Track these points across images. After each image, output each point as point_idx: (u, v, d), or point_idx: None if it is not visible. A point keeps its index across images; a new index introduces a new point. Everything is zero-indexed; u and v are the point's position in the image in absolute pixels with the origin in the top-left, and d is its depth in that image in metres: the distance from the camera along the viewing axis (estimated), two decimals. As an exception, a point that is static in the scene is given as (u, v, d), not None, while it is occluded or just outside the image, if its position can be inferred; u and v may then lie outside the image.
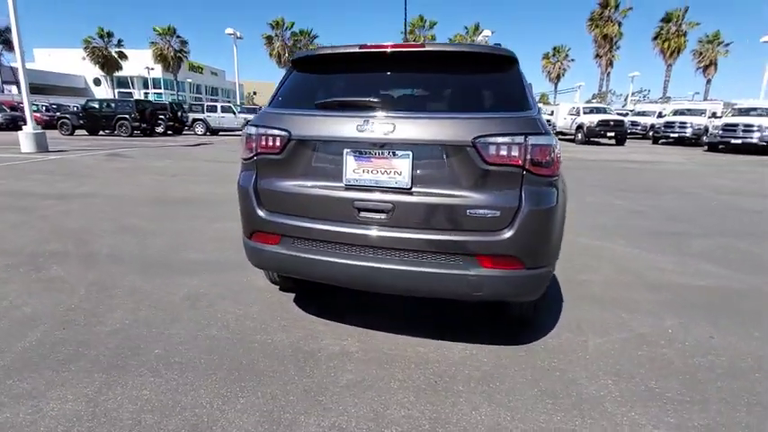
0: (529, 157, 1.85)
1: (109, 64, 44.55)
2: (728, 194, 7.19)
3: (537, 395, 1.92)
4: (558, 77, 50.19)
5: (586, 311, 2.75)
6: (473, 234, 1.91)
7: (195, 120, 23.36)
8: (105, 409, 1.78)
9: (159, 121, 21.02)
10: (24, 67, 11.87)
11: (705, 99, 36.29)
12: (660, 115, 24.42)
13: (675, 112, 22.09)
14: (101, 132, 20.07)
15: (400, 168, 1.95)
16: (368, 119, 1.97)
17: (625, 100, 44.25)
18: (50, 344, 2.26)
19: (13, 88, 31.72)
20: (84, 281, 3.09)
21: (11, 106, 23.77)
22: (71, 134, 19.54)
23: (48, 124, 20.65)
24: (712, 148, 16.91)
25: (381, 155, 1.96)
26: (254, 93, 79.65)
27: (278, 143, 2.11)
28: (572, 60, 49.82)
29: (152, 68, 47.45)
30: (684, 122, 20.45)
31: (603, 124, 19.98)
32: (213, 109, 23.94)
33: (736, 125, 15.86)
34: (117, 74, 46.58)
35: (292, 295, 2.91)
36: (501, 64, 2.09)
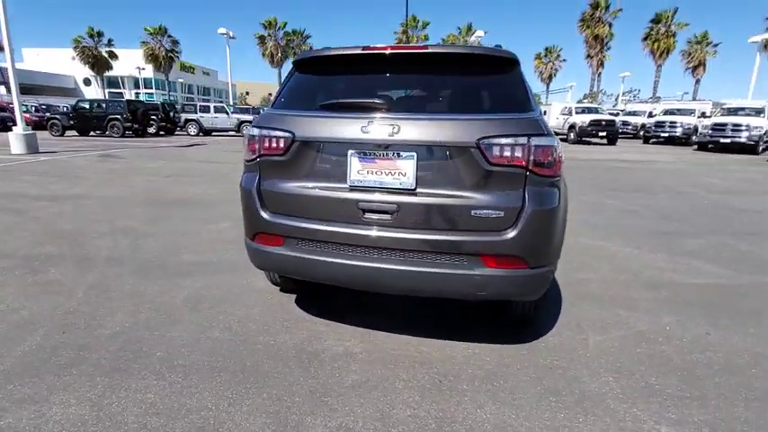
0: (532, 157, 1.87)
1: (99, 64, 44.02)
2: (719, 193, 7.31)
3: (540, 393, 1.94)
4: (550, 77, 50.56)
5: (586, 310, 2.78)
6: (477, 234, 1.93)
7: (188, 120, 23.15)
8: (110, 413, 1.77)
9: (151, 122, 20.82)
10: (14, 67, 11.69)
11: (694, 99, 36.79)
12: (651, 115, 24.74)
13: (666, 112, 22.40)
14: (92, 133, 19.82)
15: (405, 169, 1.96)
16: (372, 120, 1.98)
17: (616, 100, 44.72)
18: (50, 348, 2.24)
19: (2, 88, 31.17)
20: (81, 283, 3.06)
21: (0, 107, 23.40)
22: (61, 135, 19.27)
23: (37, 125, 20.33)
24: (702, 147, 17.17)
25: (386, 156, 1.97)
26: (247, 93, 79.25)
27: (281, 144, 2.11)
28: (564, 61, 50.22)
29: (143, 68, 46.96)
30: (674, 122, 20.75)
31: (595, 124, 20.21)
32: (206, 109, 23.76)
33: (725, 125, 16.13)
34: (107, 74, 46.04)
35: (293, 296, 2.91)
36: (503, 65, 2.11)
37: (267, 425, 1.72)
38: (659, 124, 21.27)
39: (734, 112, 17.35)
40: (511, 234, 1.89)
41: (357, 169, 2.02)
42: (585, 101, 39.71)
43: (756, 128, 15.53)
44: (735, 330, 2.55)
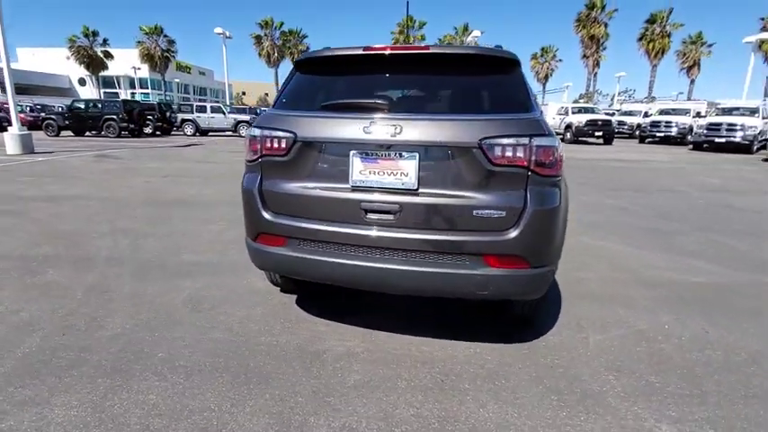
0: (534, 158, 1.89)
1: (94, 63, 43.76)
2: (715, 192, 7.37)
3: (542, 392, 1.95)
4: (547, 77, 50.73)
5: (585, 309, 2.80)
6: (479, 234, 1.94)
7: (184, 120, 23.08)
8: (112, 415, 1.76)
9: (147, 122, 20.72)
10: (9, 67, 11.61)
11: (689, 99, 37.00)
12: (646, 115, 24.88)
13: (661, 112, 22.54)
14: (87, 133, 19.70)
15: (407, 170, 1.97)
16: (374, 120, 1.98)
17: (611, 100, 44.91)
18: (51, 349, 2.23)
19: (-4, 88, 30.97)
20: (81, 285, 3.05)
21: (-6, 107, 23.23)
22: (57, 135, 19.14)
23: (32, 125, 20.19)
24: (697, 146, 17.30)
25: (388, 156, 1.98)
26: (243, 93, 79.02)
27: (283, 145, 2.11)
28: (560, 61, 50.43)
29: (139, 68, 46.75)
30: (670, 122, 20.88)
31: (592, 124, 20.32)
32: (203, 109, 23.68)
33: (720, 124, 16.25)
34: (102, 73, 45.79)
35: (294, 297, 2.91)
36: (504, 66, 2.12)
37: (270, 425, 1.72)
38: (655, 124, 21.39)
39: (728, 111, 17.50)
40: (513, 234, 1.91)
41: (359, 169, 2.02)
42: (581, 101, 39.87)
43: (751, 127, 15.67)
44: (732, 329, 2.57)
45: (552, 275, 2.12)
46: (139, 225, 4.66)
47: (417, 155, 1.95)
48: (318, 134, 2.07)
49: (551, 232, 1.99)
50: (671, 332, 2.52)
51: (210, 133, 23.57)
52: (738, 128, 15.78)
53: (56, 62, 49.68)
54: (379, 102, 2.06)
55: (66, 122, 19.33)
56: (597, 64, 43.27)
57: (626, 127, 24.85)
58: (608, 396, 1.93)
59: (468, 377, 2.05)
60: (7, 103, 12.07)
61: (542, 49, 50.33)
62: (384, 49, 2.11)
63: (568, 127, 21.01)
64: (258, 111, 27.43)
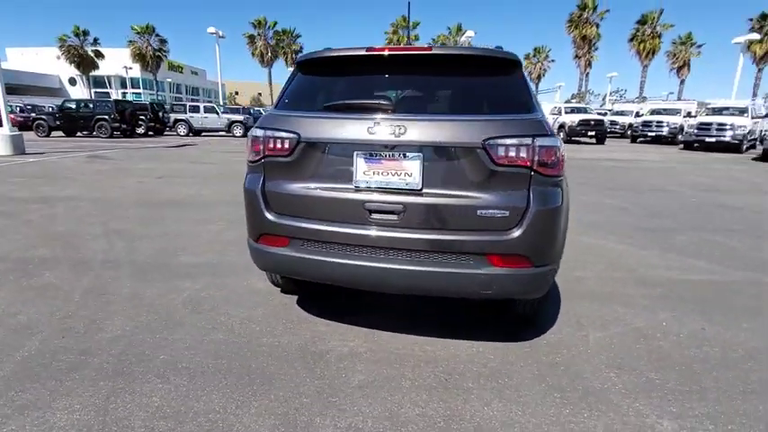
0: (536, 158, 1.90)
1: (85, 63, 43.24)
2: (707, 191, 7.47)
3: (545, 390, 1.97)
4: (539, 77, 51.05)
5: (585, 307, 2.83)
6: (482, 234, 1.95)
7: (177, 120, 22.91)
8: (116, 418, 1.75)
9: (140, 122, 20.56)
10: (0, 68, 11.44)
11: (679, 99, 37.47)
12: (638, 115, 25.16)
13: (652, 112, 22.80)
14: (78, 134, 19.48)
15: (411, 170, 1.98)
16: (378, 121, 1.99)
17: (603, 100, 45.30)
18: (50, 353, 2.20)
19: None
20: (78, 287, 3.02)
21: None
22: (47, 135, 18.91)
23: (23, 125, 19.90)
24: (688, 146, 17.52)
25: (392, 157, 1.99)
26: (236, 93, 78.57)
27: (286, 145, 2.11)
28: (552, 61, 50.77)
29: (130, 68, 46.27)
30: (661, 122, 21.13)
31: (584, 123, 20.51)
32: (196, 109, 23.53)
33: (710, 124, 16.47)
34: (93, 73, 45.25)
35: (295, 297, 2.91)
36: (505, 67, 2.14)
37: (276, 426, 1.72)
38: (646, 124, 21.63)
39: (718, 111, 17.73)
40: (516, 233, 1.92)
41: (363, 170, 2.03)
42: (574, 101, 40.21)
43: (740, 127, 15.89)
44: (728, 325, 2.61)
45: (554, 274, 2.15)
46: (135, 226, 4.62)
47: (421, 155, 1.96)
48: (322, 135, 2.07)
49: (554, 232, 2.01)
50: (669, 329, 2.56)
51: (204, 133, 23.41)
52: (728, 127, 16.00)
53: (46, 62, 49.00)
54: (383, 102, 2.07)
55: (57, 123, 19.11)
56: (589, 64, 43.68)
57: (618, 127, 25.11)
58: (610, 393, 1.96)
59: (472, 376, 2.07)
60: (-3, 104, 11.84)
61: (535, 49, 50.66)
62: (387, 49, 2.12)
63: (561, 127, 21.17)
64: (251, 111, 27.35)
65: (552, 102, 33.32)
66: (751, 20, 36.58)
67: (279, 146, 2.13)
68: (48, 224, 4.66)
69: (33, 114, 20.82)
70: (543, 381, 2.04)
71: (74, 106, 19.39)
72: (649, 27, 40.14)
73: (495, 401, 1.88)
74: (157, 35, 44.18)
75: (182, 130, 22.74)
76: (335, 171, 2.09)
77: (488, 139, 1.89)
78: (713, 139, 16.20)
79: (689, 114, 22.08)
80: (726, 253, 4.04)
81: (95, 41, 43.27)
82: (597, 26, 41.75)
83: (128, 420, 1.74)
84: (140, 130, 20.88)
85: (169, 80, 56.09)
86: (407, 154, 1.97)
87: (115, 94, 49.22)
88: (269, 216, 2.19)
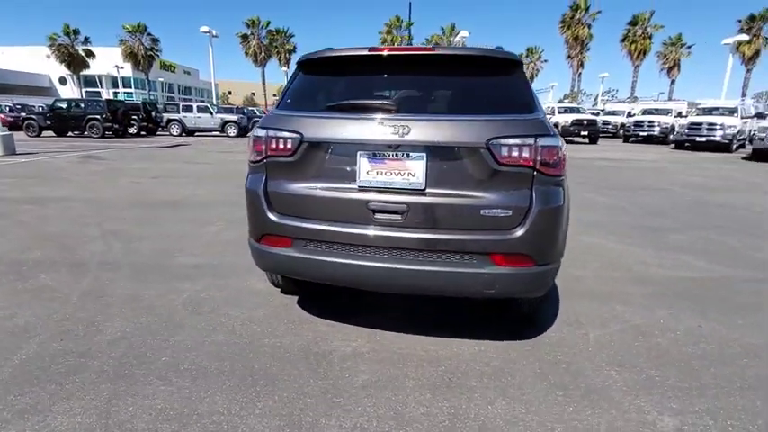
0: (539, 157, 1.92)
1: (75, 62, 42.74)
2: (699, 190, 7.57)
3: (547, 388, 1.99)
4: (532, 78, 51.27)
5: (584, 305, 2.85)
6: (486, 233, 1.96)
7: (170, 120, 22.73)
8: (118, 421, 1.73)
9: (132, 122, 20.35)
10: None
11: (670, 99, 37.93)
12: (630, 115, 25.42)
13: (644, 112, 23.05)
14: (70, 134, 19.24)
15: (414, 170, 1.98)
16: (382, 121, 1.99)
17: (595, 100, 45.75)
18: (49, 355, 2.18)
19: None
20: (75, 289, 2.98)
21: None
22: (38, 136, 18.65)
23: (12, 125, 19.64)
24: (679, 145, 17.73)
25: (395, 156, 1.99)
26: (229, 92, 78.13)
27: (289, 145, 2.11)
28: (545, 61, 51.17)
29: (122, 67, 45.83)
30: (653, 122, 21.36)
31: (577, 123, 20.67)
32: (189, 109, 23.35)
33: (701, 124, 16.68)
34: (84, 72, 44.73)
35: (295, 298, 2.90)
36: (507, 67, 2.16)
37: (281, 427, 1.71)
38: (638, 124, 21.86)
39: (709, 111, 17.96)
40: (519, 232, 1.94)
41: (366, 170, 2.03)
42: (566, 101, 40.58)
43: (730, 127, 16.12)
44: (724, 322, 2.65)
45: (556, 273, 2.17)
46: (131, 227, 4.58)
47: (425, 155, 1.97)
48: (326, 135, 2.07)
49: (556, 231, 2.03)
50: (666, 326, 2.59)
51: (197, 133, 23.25)
52: (718, 127, 16.22)
53: (35, 61, 48.31)
54: (387, 102, 2.07)
55: (48, 123, 18.86)
56: (581, 64, 44.03)
57: (610, 126, 25.34)
58: (611, 390, 1.98)
59: (475, 375, 2.08)
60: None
61: (528, 49, 50.95)
62: (389, 50, 2.12)
63: (555, 126, 21.17)
64: (245, 111, 27.19)
65: (545, 102, 33.53)
66: (739, 21, 37.17)
67: (282, 146, 2.12)
68: (41, 225, 4.59)
69: (23, 114, 20.49)
70: (545, 379, 2.06)
71: (65, 106, 19.13)
72: (640, 28, 40.58)
73: (498, 400, 1.90)
74: (149, 34, 43.83)
75: (175, 129, 22.57)
76: (339, 171, 2.09)
77: (492, 139, 1.91)
78: (704, 139, 16.42)
79: (680, 114, 22.34)
80: (719, 250, 4.10)
81: (86, 40, 42.80)
82: (589, 27, 42.13)
83: (131, 423, 1.72)
84: (133, 130, 20.68)
85: (161, 80, 55.63)
86: (411, 154, 1.98)
87: (106, 93, 48.68)
88: (271, 216, 2.18)
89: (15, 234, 4.27)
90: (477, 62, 2.16)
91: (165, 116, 22.97)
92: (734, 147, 16.16)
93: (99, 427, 1.70)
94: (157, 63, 48.43)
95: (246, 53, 47.33)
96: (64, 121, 18.83)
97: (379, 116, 2.02)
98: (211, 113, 23.11)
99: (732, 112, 17.30)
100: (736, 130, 16.14)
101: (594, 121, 21.24)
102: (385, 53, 2.12)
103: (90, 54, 43.10)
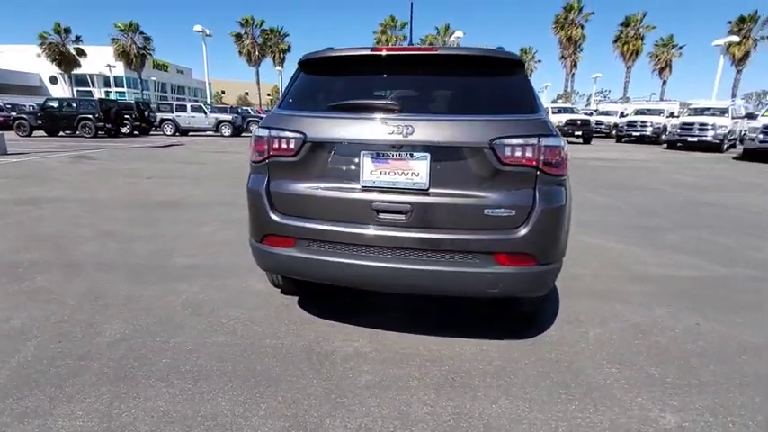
0: (542, 157, 1.93)
1: (66, 61, 42.19)
2: (692, 190, 7.65)
3: (550, 386, 2.00)
4: (526, 78, 51.55)
5: (583, 304, 2.87)
6: (489, 233, 1.97)
7: (164, 120, 22.55)
8: (121, 424, 1.72)
9: (125, 122, 20.16)
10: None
11: (661, 99, 38.36)
12: (622, 115, 25.66)
13: (637, 112, 23.28)
14: (61, 133, 19.02)
15: (418, 170, 1.98)
16: (386, 121, 1.99)
17: (588, 100, 46.15)
18: (48, 358, 2.15)
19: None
20: (72, 291, 2.95)
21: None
22: (29, 135, 18.41)
23: (2, 125, 19.39)
24: (671, 145, 17.93)
25: (399, 156, 1.99)
26: (223, 92, 77.65)
27: (292, 145, 2.10)
28: (539, 62, 51.43)
29: (114, 66, 45.38)
30: (645, 122, 21.59)
31: (571, 123, 20.83)
32: (183, 108, 23.18)
33: (692, 124, 16.88)
34: (75, 71, 44.19)
35: (296, 298, 2.89)
36: (509, 67, 2.16)
37: (286, 429, 1.71)
38: (631, 124, 22.08)
39: (700, 112, 18.17)
40: (522, 232, 1.95)
41: (370, 170, 2.03)
42: (560, 101, 40.82)
43: (721, 127, 16.33)
44: (721, 320, 2.68)
45: (558, 272, 2.18)
46: (127, 228, 4.53)
47: (428, 155, 1.97)
48: (329, 134, 2.07)
49: (558, 230, 2.04)
50: (665, 325, 2.62)
51: (191, 133, 23.09)
52: (710, 128, 16.42)
53: (25, 60, 47.67)
54: (391, 102, 2.07)
55: (39, 122, 18.63)
56: (575, 65, 44.38)
57: (603, 126, 25.56)
58: (613, 388, 1.99)
59: (478, 374, 2.08)
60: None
61: (522, 49, 51.15)
62: (392, 50, 2.12)
63: (549, 127, 21.43)
64: (240, 110, 27.05)
65: (539, 102, 33.63)
66: (730, 23, 37.65)
67: (284, 146, 2.11)
68: (36, 226, 4.53)
69: (14, 114, 20.20)
70: (548, 377, 2.07)
71: (56, 105, 18.91)
72: (632, 29, 40.99)
73: (502, 399, 1.90)
74: (142, 33, 43.42)
75: (168, 129, 22.40)
76: (342, 171, 2.09)
77: (495, 138, 1.91)
78: (695, 139, 16.62)
79: (672, 115, 22.59)
80: (714, 249, 4.15)
81: (77, 39, 42.27)
82: (582, 27, 42.49)
83: (133, 426, 1.70)
84: (125, 130, 20.49)
85: (154, 79, 55.17)
86: (414, 154, 1.98)
87: (98, 92, 48.19)
88: (274, 217, 2.17)
89: (9, 235, 4.20)
90: (479, 62, 2.16)
91: (159, 116, 22.80)
92: (725, 147, 16.37)
93: (101, 430, 1.69)
94: (150, 62, 48.03)
95: (240, 52, 47.09)
96: (55, 120, 18.61)
97: (382, 116, 2.02)
98: (205, 113, 22.96)
99: (723, 112, 17.53)
100: (727, 131, 16.35)
101: (588, 121, 21.43)
102: (388, 53, 2.12)
103: (81, 53, 42.59)
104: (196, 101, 38.35)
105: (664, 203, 6.41)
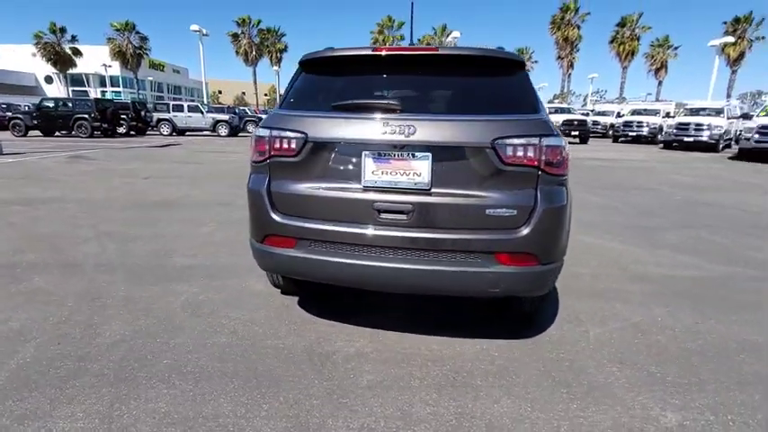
0: (543, 157, 1.93)
1: (62, 61, 41.91)
2: (689, 190, 7.70)
3: (551, 385, 2.00)
4: (523, 78, 51.68)
5: (583, 303, 2.88)
6: (491, 232, 1.97)
7: (160, 119, 22.47)
8: (122, 425, 1.71)
9: (122, 122, 20.07)
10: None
11: (657, 99, 38.57)
12: (619, 115, 25.78)
13: (633, 113, 23.39)
14: (57, 133, 18.90)
15: (420, 169, 1.98)
16: (387, 121, 1.99)
17: (584, 100, 46.31)
18: (47, 359, 2.13)
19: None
20: (70, 291, 2.93)
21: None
22: (24, 135, 18.29)
23: (-3, 125, 19.27)
24: (667, 145, 18.03)
25: (401, 156, 1.99)
26: (220, 92, 77.44)
27: (293, 145, 2.09)
28: (535, 62, 51.60)
29: (110, 66, 45.11)
30: (641, 122, 21.70)
31: (568, 124, 20.90)
32: (179, 108, 23.10)
33: (688, 124, 16.98)
34: (71, 71, 43.89)
35: (296, 299, 2.88)
36: (511, 67, 2.17)
37: (288, 429, 1.70)
38: (627, 124, 22.19)
39: (696, 112, 18.28)
40: (524, 231, 1.95)
41: (372, 170, 2.02)
42: (556, 101, 40.99)
43: (717, 127, 16.43)
44: (719, 319, 2.70)
45: (559, 271, 2.18)
46: (125, 228, 4.51)
47: (430, 155, 1.97)
48: (330, 134, 2.06)
49: (559, 230, 2.05)
50: (664, 324, 2.63)
51: (188, 133, 23.01)
52: (705, 128, 16.53)
53: (20, 59, 47.37)
54: (392, 102, 2.07)
55: (35, 122, 18.50)
56: (571, 65, 44.54)
57: (600, 127, 25.67)
58: (614, 387, 2.00)
59: (479, 374, 2.09)
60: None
61: (519, 50, 51.25)
62: (393, 50, 2.12)
63: (547, 127, 21.49)
64: (237, 110, 26.98)
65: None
66: (725, 23, 37.90)
67: (285, 146, 2.11)
68: (33, 227, 4.50)
69: (9, 113, 20.05)
70: (549, 377, 2.07)
71: (52, 105, 18.79)
72: (628, 29, 41.18)
73: (504, 398, 1.91)
74: (138, 32, 43.20)
75: (165, 129, 22.32)
76: (343, 171, 2.08)
77: (497, 138, 1.92)
78: (691, 139, 16.71)
79: (667, 115, 22.73)
80: (712, 249, 4.17)
81: (73, 39, 42.01)
82: (579, 28, 42.65)
83: (135, 427, 1.70)
84: (122, 130, 20.40)
85: (150, 78, 54.90)
86: (416, 154, 1.98)
87: (94, 92, 47.91)
88: (275, 217, 2.16)
89: (6, 236, 4.17)
90: (480, 62, 2.16)
91: (155, 115, 22.71)
92: (720, 147, 16.47)
93: (102, 431, 1.67)
94: (146, 62, 47.80)
95: (237, 52, 46.97)
96: (51, 120, 18.49)
97: (384, 116, 2.02)
98: (202, 113, 22.90)
99: (719, 112, 17.64)
100: (723, 131, 16.45)
101: (585, 121, 21.52)
102: (388, 53, 2.12)
103: (77, 52, 42.33)
104: (193, 100, 38.21)
105: (661, 203, 6.44)
